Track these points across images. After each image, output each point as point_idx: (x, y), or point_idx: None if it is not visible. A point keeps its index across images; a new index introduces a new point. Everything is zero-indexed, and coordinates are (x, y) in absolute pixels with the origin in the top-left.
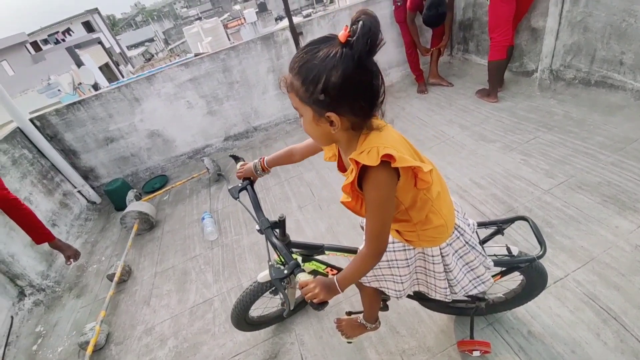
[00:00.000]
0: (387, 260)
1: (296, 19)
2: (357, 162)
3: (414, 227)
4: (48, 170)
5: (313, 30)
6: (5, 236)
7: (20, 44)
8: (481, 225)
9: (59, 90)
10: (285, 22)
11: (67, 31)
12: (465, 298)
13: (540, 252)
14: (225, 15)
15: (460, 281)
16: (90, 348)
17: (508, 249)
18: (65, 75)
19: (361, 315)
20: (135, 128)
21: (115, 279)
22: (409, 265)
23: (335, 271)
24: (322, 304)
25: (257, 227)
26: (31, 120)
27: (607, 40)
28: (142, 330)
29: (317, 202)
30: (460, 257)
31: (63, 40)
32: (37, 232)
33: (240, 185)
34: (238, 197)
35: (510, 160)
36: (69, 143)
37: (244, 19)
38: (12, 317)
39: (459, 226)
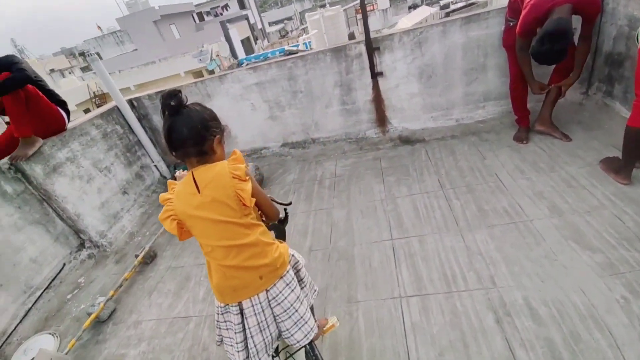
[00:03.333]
0: None
1: (430, 9)
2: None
3: None
4: (133, 144)
5: (393, 47)
6: (77, 199)
7: (187, 12)
8: None
9: (199, 60)
10: (418, 13)
11: (225, 6)
12: None
13: None
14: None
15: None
16: (87, 322)
17: None
18: (213, 46)
19: None
20: None
21: (137, 260)
22: None
23: None
24: None
25: None
26: (129, 100)
27: None
28: (134, 321)
29: (329, 251)
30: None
31: (221, 14)
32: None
33: None
34: None
35: (604, 290)
36: (155, 123)
37: (376, 4)
38: (63, 264)
39: (232, 312)
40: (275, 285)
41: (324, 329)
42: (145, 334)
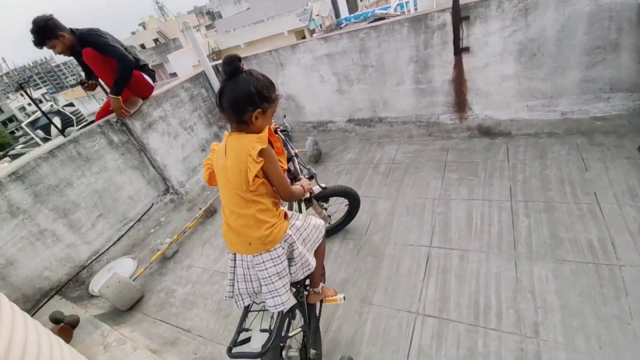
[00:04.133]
0: None
1: None
2: None
3: None
4: (215, 107)
5: (487, 15)
6: (165, 152)
7: None
8: None
9: (300, 19)
10: None
11: None
12: None
13: None
14: None
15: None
16: (154, 257)
17: None
18: (315, 5)
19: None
20: (277, 88)
21: (199, 213)
22: None
23: None
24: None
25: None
26: (214, 66)
27: None
28: (187, 264)
29: (361, 244)
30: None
31: None
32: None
33: None
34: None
35: None
36: None
37: None
38: (152, 204)
39: (230, 258)
40: (261, 254)
41: (327, 297)
42: (192, 278)
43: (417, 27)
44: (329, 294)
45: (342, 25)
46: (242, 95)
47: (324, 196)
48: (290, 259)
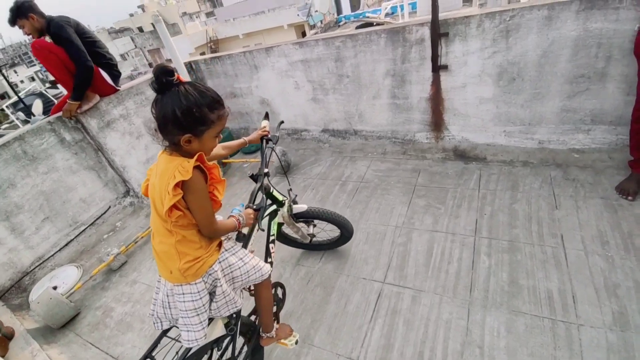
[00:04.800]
0: None
1: None
2: None
3: None
4: None
5: (467, 34)
6: (125, 152)
7: None
8: None
9: (298, 15)
10: None
11: None
12: None
13: None
14: None
15: None
16: (96, 270)
17: None
18: (315, 0)
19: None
20: (251, 92)
21: None
22: None
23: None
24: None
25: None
26: (187, 63)
27: None
28: (132, 279)
29: (313, 272)
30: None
31: None
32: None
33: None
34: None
35: None
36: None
37: None
38: (109, 207)
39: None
40: (181, 285)
41: (280, 340)
42: (134, 296)
43: (395, 39)
44: (283, 335)
45: (340, 24)
46: (166, 117)
47: (304, 217)
48: (212, 293)
